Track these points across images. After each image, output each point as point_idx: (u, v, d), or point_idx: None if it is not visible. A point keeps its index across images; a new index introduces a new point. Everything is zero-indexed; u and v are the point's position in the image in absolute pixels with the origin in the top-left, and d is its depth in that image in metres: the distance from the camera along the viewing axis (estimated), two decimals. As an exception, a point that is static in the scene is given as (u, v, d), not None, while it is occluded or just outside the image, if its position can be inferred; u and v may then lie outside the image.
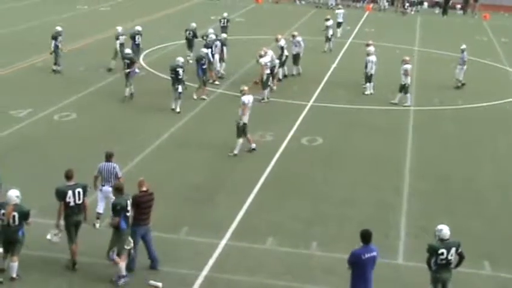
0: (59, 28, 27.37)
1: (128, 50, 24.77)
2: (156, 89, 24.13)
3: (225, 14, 33.21)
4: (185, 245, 14.20)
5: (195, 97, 24.16)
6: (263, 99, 24.45)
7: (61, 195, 12.69)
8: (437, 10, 50.22)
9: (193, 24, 30.13)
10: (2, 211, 12.08)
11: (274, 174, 18.25)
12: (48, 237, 12.88)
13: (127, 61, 23.78)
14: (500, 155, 20.93)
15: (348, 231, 15.06)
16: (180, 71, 22.36)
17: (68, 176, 12.94)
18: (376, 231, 15.12)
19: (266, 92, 24.55)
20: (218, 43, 26.88)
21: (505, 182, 18.74)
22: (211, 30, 28.04)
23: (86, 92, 24.57)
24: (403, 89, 24.85)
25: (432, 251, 11.29)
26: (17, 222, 12.12)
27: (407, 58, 25.56)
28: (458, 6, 50.72)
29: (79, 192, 12.77)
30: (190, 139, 20.44)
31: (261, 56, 24.64)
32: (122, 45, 27.13)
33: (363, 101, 25.33)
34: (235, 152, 19.16)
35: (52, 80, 26.06)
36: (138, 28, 28.03)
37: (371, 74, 25.98)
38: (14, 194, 12.19)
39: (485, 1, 50.66)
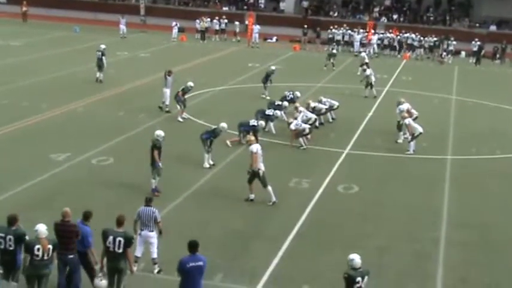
0: None
1: (159, 132, 19.75)
2: (192, 135, 24.27)
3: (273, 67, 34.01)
4: (219, 291, 14.15)
5: (229, 144, 24.29)
6: (301, 146, 24.56)
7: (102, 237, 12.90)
8: (471, 59, 50.08)
9: (272, 67, 33.65)
10: (37, 246, 12.27)
11: (310, 222, 18.15)
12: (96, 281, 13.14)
13: (159, 146, 19.51)
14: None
15: (385, 280, 14.89)
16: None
17: (119, 222, 13.03)
18: (413, 282, 15.09)
19: (301, 139, 24.66)
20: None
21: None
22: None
23: (125, 137, 24.87)
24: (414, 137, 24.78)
25: (350, 280, 11.83)
26: (50, 255, 12.38)
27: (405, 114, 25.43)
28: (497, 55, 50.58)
29: (119, 241, 12.81)
30: (225, 186, 20.48)
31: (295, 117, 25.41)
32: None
33: (399, 149, 25.20)
34: (273, 199, 19.13)
35: (91, 124, 26.44)
36: (191, 84, 28.24)
37: (399, 123, 25.94)
38: (43, 228, 12.38)
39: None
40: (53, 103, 29.03)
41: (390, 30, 53.15)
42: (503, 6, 57.39)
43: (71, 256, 13.12)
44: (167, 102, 28.62)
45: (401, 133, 26.05)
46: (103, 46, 34.85)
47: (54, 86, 33.08)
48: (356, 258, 11.93)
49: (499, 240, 17.74)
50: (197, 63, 42.14)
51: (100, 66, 34.20)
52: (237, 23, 54.59)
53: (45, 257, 12.33)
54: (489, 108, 33.75)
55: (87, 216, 13.40)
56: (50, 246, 12.34)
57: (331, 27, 52.99)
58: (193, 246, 12.12)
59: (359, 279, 11.80)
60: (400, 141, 26.00)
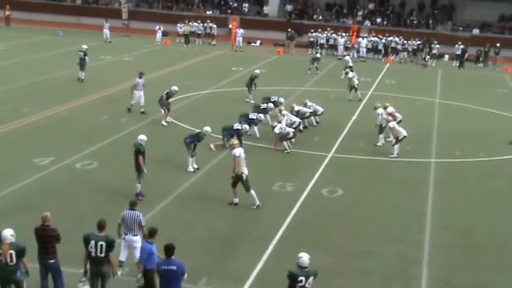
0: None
1: (142, 137, 19.44)
2: (176, 139, 24.19)
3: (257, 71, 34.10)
4: (204, 295, 14.11)
5: (213, 148, 24.22)
6: (285, 149, 24.56)
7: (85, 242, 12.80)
8: (454, 63, 50.31)
9: (257, 71, 33.84)
10: None
11: (294, 225, 18.14)
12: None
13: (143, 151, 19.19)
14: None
15: (370, 283, 14.91)
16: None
17: (100, 227, 12.90)
18: (397, 284, 15.12)
19: (285, 143, 24.66)
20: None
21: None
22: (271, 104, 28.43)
23: (109, 141, 24.77)
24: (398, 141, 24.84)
25: (292, 279, 11.82)
26: (14, 261, 12.21)
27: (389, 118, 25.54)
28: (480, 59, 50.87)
29: (101, 245, 12.70)
30: (210, 190, 20.42)
31: (279, 121, 25.30)
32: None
33: (383, 152, 25.25)
34: (257, 203, 19.11)
35: (75, 128, 26.29)
36: (175, 88, 28.15)
37: (381, 126, 25.99)
38: (8, 233, 12.25)
39: (506, 54, 50.91)
40: (36, 107, 28.86)
41: (373, 34, 53.34)
42: (486, 9, 57.72)
43: (52, 261, 13.05)
44: (132, 102, 28.87)
45: (381, 136, 26.10)
46: (85, 46, 35.80)
47: (38, 90, 32.90)
48: (304, 257, 11.95)
49: (482, 242, 17.82)
50: (181, 67, 42.09)
51: (82, 65, 35.02)
52: (214, 26, 54.72)
53: (10, 263, 12.20)
54: (472, 111, 33.92)
55: (151, 234, 13.16)
56: (12, 252, 12.16)
57: (312, 30, 53.10)
58: (168, 250, 12.12)
59: (302, 278, 11.75)
60: (379, 144, 26.05)
